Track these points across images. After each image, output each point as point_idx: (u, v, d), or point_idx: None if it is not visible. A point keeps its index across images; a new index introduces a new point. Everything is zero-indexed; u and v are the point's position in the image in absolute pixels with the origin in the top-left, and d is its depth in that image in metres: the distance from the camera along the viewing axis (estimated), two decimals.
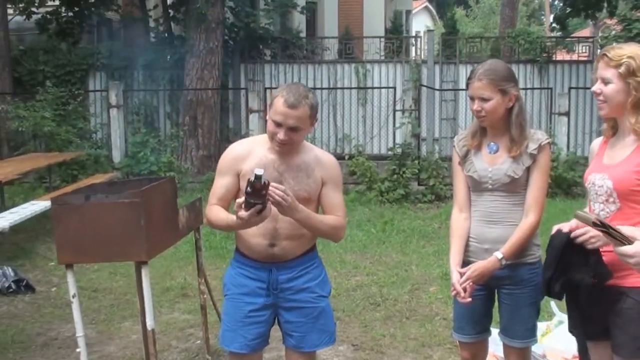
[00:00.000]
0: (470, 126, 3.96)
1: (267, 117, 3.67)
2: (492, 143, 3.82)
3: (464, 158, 3.91)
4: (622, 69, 3.22)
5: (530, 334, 3.92)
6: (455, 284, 3.76)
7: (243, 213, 3.38)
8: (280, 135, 3.58)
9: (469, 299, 3.75)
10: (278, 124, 3.57)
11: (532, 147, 3.73)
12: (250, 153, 3.75)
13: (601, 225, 2.88)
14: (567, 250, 3.26)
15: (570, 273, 3.28)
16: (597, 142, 3.66)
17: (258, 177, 3.26)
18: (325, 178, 3.79)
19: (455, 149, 3.97)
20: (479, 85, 3.72)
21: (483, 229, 3.84)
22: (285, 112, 3.55)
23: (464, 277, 3.74)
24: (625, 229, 2.86)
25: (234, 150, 3.83)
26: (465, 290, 3.74)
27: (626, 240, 2.82)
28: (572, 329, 3.65)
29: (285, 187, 3.52)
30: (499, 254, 3.70)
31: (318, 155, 3.83)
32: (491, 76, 3.70)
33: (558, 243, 3.32)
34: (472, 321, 3.98)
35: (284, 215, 3.54)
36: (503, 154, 3.78)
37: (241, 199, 3.40)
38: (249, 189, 3.31)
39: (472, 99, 3.77)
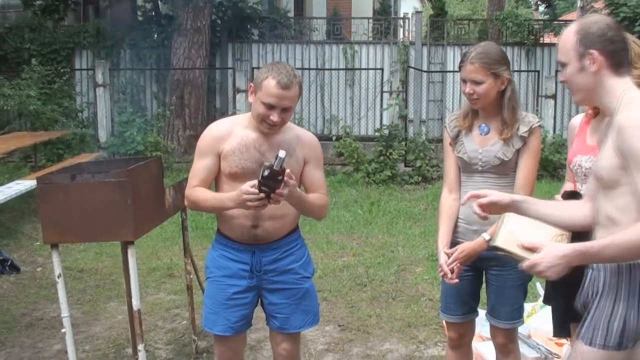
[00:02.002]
0: (462, 107, 3.95)
1: (253, 100, 3.61)
2: (483, 125, 3.82)
3: (455, 139, 3.90)
4: None
5: (517, 315, 3.94)
6: (442, 265, 3.78)
7: (252, 197, 3.36)
8: (274, 117, 3.54)
9: (456, 280, 3.77)
10: (271, 107, 3.53)
11: (522, 129, 3.73)
12: (230, 133, 3.71)
13: (500, 250, 2.98)
14: None
15: None
16: (577, 119, 3.66)
17: (280, 161, 3.24)
18: (307, 157, 3.78)
19: (447, 130, 3.96)
20: (471, 68, 3.70)
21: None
22: (280, 94, 3.50)
23: (452, 258, 3.75)
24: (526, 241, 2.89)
25: (214, 130, 3.78)
26: (452, 271, 3.76)
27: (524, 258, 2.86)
28: (546, 300, 3.68)
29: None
30: (486, 235, 3.70)
31: (299, 135, 3.81)
32: (484, 59, 3.68)
33: None
34: (459, 302, 4.00)
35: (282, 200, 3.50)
36: (494, 136, 3.77)
37: (252, 182, 3.37)
38: (266, 172, 3.27)
39: (465, 81, 3.76)
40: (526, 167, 3.77)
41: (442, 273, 3.81)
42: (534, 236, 2.94)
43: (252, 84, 3.65)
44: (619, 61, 2.81)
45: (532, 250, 2.82)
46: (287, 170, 3.37)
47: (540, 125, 3.82)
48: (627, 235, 2.64)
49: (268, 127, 3.60)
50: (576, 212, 3.08)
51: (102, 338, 5.74)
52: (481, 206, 3.10)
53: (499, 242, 2.98)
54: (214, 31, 15.53)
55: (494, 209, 3.11)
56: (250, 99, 3.64)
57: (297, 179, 3.70)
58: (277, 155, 3.24)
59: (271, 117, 3.54)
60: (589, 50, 2.78)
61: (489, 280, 3.94)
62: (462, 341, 4.13)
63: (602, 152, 2.83)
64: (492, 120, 3.80)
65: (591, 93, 2.87)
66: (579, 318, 3.48)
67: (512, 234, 2.97)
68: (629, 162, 2.66)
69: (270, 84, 3.50)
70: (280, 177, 3.31)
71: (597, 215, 2.91)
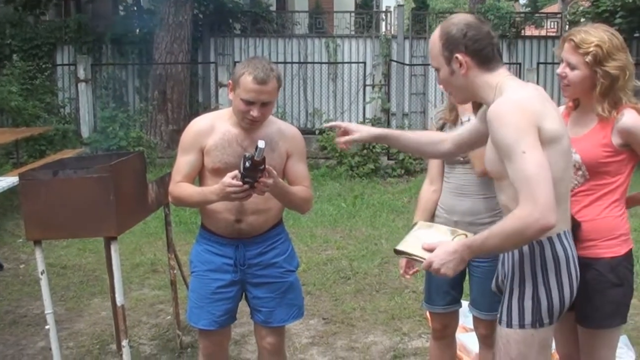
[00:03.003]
0: (448, 100, 3.97)
1: (233, 97, 3.61)
2: (468, 117, 3.84)
3: (440, 131, 3.92)
4: (589, 58, 3.22)
5: (498, 306, 3.95)
6: (401, 261, 3.93)
7: (235, 189, 3.37)
8: (254, 112, 3.54)
9: (408, 277, 4.05)
10: (250, 103, 3.53)
11: None
12: (212, 128, 3.71)
13: (401, 254, 3.02)
14: None
15: None
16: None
17: (260, 151, 3.25)
18: (290, 150, 3.78)
19: (433, 122, 4.00)
20: None
21: (453, 201, 3.88)
22: (257, 89, 3.50)
23: None
24: (429, 242, 2.91)
25: (197, 125, 3.78)
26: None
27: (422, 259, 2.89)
28: None
29: None
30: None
31: (281, 128, 3.81)
32: None
33: None
34: (442, 292, 4.03)
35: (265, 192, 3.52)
36: None
37: (232, 173, 3.39)
38: (247, 164, 3.28)
39: None
40: None
41: (402, 271, 3.92)
42: (436, 239, 2.97)
43: (230, 81, 3.65)
44: (485, 58, 2.83)
45: (431, 251, 2.85)
46: (274, 172, 3.41)
47: None
48: (502, 225, 2.70)
49: (249, 123, 3.61)
50: (437, 145, 3.31)
51: (86, 334, 5.73)
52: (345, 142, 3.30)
53: (400, 246, 3.01)
54: (196, 25, 15.50)
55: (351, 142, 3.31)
56: (230, 95, 3.63)
57: (281, 172, 3.71)
58: (257, 146, 3.25)
59: (251, 113, 3.54)
60: (455, 55, 2.81)
61: (471, 272, 3.97)
62: (445, 332, 4.16)
63: (487, 145, 2.90)
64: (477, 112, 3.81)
65: (468, 92, 2.92)
66: None
67: (417, 239, 3.01)
68: (499, 151, 2.72)
69: (247, 80, 3.50)
70: (262, 167, 3.32)
71: (499, 201, 3.01)
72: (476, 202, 3.79)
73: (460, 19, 2.87)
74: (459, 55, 2.81)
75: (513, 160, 2.65)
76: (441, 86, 3.02)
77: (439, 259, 2.79)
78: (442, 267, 2.79)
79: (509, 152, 2.65)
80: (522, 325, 2.89)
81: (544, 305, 2.86)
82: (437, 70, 2.93)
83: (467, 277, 4.07)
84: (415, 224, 3.23)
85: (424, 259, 2.84)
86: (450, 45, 2.82)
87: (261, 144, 3.25)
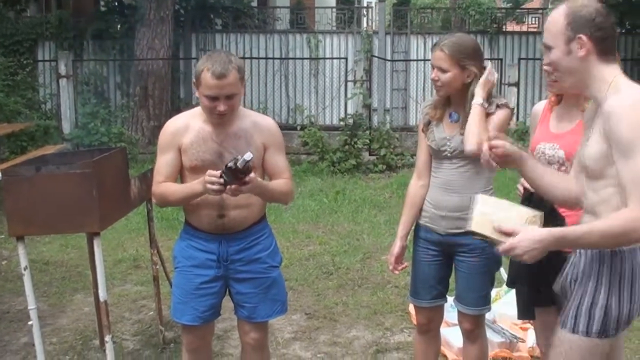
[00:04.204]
0: (433, 97, 3.99)
1: (199, 94, 3.62)
2: (453, 112, 3.86)
3: (427, 126, 3.95)
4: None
5: (484, 301, 3.99)
6: (391, 256, 3.96)
7: (213, 179, 3.40)
8: (220, 107, 3.55)
9: (397, 272, 4.03)
10: (214, 98, 3.55)
11: (490, 109, 3.74)
12: (187, 127, 3.73)
13: (476, 235, 2.97)
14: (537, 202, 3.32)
15: None
16: (540, 106, 3.71)
17: (243, 161, 3.29)
18: (267, 143, 3.78)
19: (421, 116, 4.02)
20: (439, 55, 3.75)
21: (441, 196, 3.89)
22: (217, 84, 3.51)
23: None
24: (503, 227, 2.83)
25: (172, 125, 3.80)
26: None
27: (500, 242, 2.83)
28: (510, 284, 3.74)
29: (227, 157, 3.57)
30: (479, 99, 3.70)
31: (256, 121, 3.81)
32: (453, 48, 3.72)
33: (527, 195, 3.40)
34: (427, 286, 4.05)
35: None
36: (463, 124, 3.79)
37: (215, 172, 3.41)
38: (230, 164, 3.32)
39: (433, 67, 3.80)
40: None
41: (391, 266, 3.92)
42: (507, 219, 2.90)
43: (194, 79, 3.65)
44: (606, 48, 2.78)
45: (507, 234, 2.78)
46: (252, 175, 3.41)
47: (507, 105, 3.80)
48: (607, 224, 2.65)
49: (218, 117, 3.62)
50: (560, 183, 3.08)
51: (69, 330, 5.73)
52: (497, 155, 3.03)
53: (473, 227, 2.97)
54: (177, 21, 15.43)
55: (506, 161, 3.06)
56: (197, 94, 3.65)
57: (259, 166, 3.72)
58: (243, 157, 3.28)
59: (218, 108, 3.56)
60: (578, 35, 2.75)
61: (456, 267, 4.00)
62: (430, 326, 4.18)
63: (589, 141, 2.81)
64: (462, 109, 3.82)
65: (577, 79, 2.82)
66: (542, 302, 3.56)
67: (484, 216, 2.96)
68: (613, 147, 2.65)
69: (206, 77, 3.52)
70: (241, 176, 3.35)
71: (584, 200, 2.91)
72: (464, 198, 3.80)
73: (589, 3, 2.80)
74: (583, 37, 2.74)
75: (631, 158, 2.59)
76: (547, 66, 2.92)
77: (523, 246, 2.71)
78: (525, 255, 2.72)
79: (627, 149, 2.60)
80: (588, 333, 2.82)
81: (613, 316, 2.80)
82: (548, 48, 2.84)
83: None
84: (475, 198, 3.10)
85: (503, 242, 2.78)
86: (576, 25, 2.75)
87: (247, 156, 3.28)
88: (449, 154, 3.85)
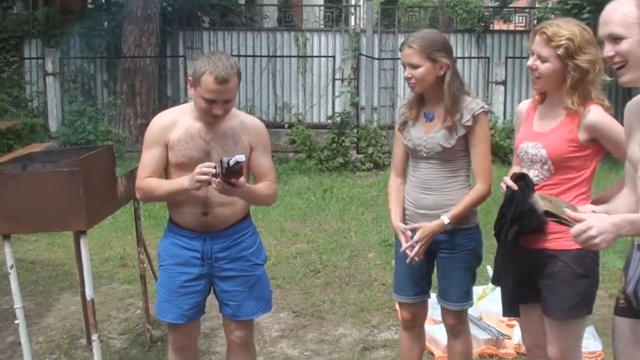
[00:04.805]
0: (408, 97, 4.00)
1: (194, 93, 3.61)
2: (428, 111, 3.87)
3: (403, 126, 3.96)
4: (560, 51, 3.26)
5: (465, 297, 4.00)
6: (403, 243, 3.84)
7: (204, 170, 3.40)
8: (217, 110, 3.56)
9: (417, 259, 3.83)
10: (212, 101, 3.54)
11: (466, 118, 3.74)
12: (175, 123, 3.72)
13: (551, 216, 2.84)
14: (519, 199, 3.34)
15: (521, 221, 3.35)
16: (525, 105, 3.71)
17: (234, 162, 3.28)
18: (254, 143, 3.79)
19: (397, 116, 4.03)
20: (408, 52, 3.76)
21: (419, 195, 3.90)
22: (219, 89, 3.51)
23: (415, 239, 3.78)
24: (571, 213, 2.71)
25: (160, 121, 3.78)
26: (412, 252, 3.81)
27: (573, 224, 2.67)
28: (495, 281, 3.75)
29: (214, 155, 3.59)
30: (445, 219, 3.75)
31: (244, 121, 3.81)
32: (421, 43, 3.73)
33: (510, 193, 3.40)
34: (411, 282, 4.06)
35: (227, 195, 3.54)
36: (438, 123, 3.81)
37: (211, 163, 3.42)
38: (224, 164, 3.32)
39: (404, 66, 3.82)
40: (479, 154, 3.80)
41: (408, 259, 3.85)
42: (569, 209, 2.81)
43: (191, 77, 3.64)
44: None
45: (576, 220, 2.63)
46: (242, 180, 3.43)
47: (485, 111, 3.82)
48: None
49: (212, 119, 3.63)
50: (625, 203, 2.94)
51: (56, 329, 5.72)
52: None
53: (550, 208, 2.84)
54: (164, 19, 15.41)
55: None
56: (191, 92, 3.64)
57: (244, 166, 3.72)
58: (235, 158, 3.28)
59: (214, 111, 3.56)
60: None
61: (438, 263, 4.01)
62: (415, 322, 4.19)
63: None
64: (436, 107, 3.83)
65: None
66: (527, 299, 3.57)
67: (553, 202, 2.88)
68: None
69: (208, 80, 3.50)
70: (231, 175, 3.36)
71: None
72: (442, 196, 3.82)
73: None
74: None
75: None
76: (614, 56, 2.72)
77: (599, 227, 2.53)
78: (599, 237, 2.53)
79: None
80: None
81: None
82: (618, 39, 2.67)
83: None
84: (534, 196, 3.03)
85: (574, 223, 2.62)
86: None
87: (240, 157, 3.29)
88: (424, 154, 3.86)
